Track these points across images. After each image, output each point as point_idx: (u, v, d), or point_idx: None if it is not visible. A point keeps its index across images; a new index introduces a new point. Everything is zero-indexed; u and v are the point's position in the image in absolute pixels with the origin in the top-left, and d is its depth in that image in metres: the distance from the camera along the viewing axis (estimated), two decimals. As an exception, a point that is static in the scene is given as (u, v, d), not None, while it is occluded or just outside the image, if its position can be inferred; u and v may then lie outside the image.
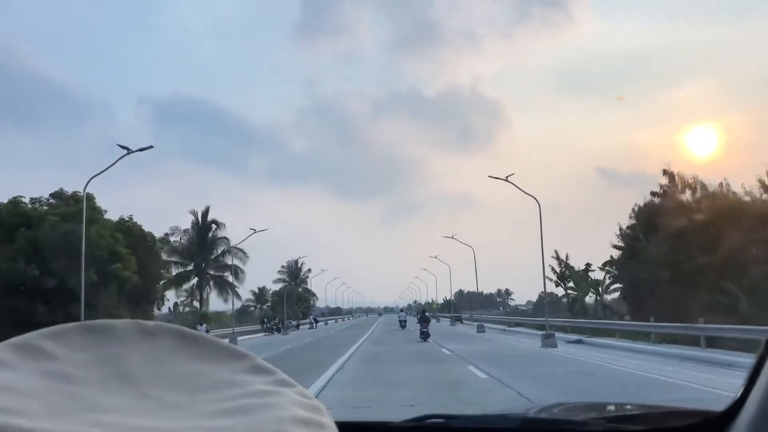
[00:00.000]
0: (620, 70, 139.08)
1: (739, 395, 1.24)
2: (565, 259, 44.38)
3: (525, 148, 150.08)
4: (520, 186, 29.04)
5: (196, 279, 55.68)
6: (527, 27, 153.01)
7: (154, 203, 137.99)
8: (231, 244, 52.66)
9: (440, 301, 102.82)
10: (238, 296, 58.01)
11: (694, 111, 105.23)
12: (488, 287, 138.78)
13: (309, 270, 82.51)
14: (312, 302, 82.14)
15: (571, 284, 44.10)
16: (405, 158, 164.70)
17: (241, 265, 56.82)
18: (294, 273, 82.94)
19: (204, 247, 56.16)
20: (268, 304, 69.79)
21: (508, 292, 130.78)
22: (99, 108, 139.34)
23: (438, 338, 30.55)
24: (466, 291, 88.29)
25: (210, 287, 56.76)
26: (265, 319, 51.13)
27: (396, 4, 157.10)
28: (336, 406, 9.48)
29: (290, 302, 66.24)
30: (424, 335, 29.69)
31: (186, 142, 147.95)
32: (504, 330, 41.46)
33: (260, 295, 72.06)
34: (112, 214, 34.33)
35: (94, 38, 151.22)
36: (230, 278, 52.55)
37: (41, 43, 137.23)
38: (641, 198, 32.59)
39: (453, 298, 69.25)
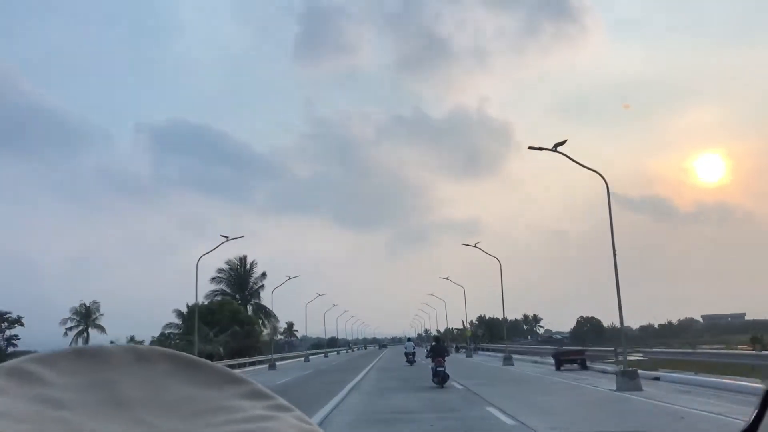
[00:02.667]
0: (627, 96, 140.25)
1: (750, 422, 1.23)
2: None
3: (533, 173, 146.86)
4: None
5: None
6: (537, 44, 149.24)
7: (154, 233, 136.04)
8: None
9: (447, 328, 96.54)
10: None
11: (701, 137, 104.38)
12: (512, 313, 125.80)
13: (263, 276, 64.65)
14: (266, 329, 59.28)
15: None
16: (410, 184, 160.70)
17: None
18: (240, 279, 64.33)
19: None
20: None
21: (536, 318, 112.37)
22: (96, 134, 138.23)
23: (463, 378, 22.97)
24: (488, 316, 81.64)
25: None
26: None
27: (400, 20, 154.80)
28: None
29: (222, 324, 46.55)
30: (439, 376, 19.97)
31: (186, 170, 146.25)
32: (536, 362, 36.19)
33: (187, 317, 45.59)
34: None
35: (90, 64, 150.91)
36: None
37: (38, 70, 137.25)
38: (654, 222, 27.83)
39: (469, 325, 62.63)
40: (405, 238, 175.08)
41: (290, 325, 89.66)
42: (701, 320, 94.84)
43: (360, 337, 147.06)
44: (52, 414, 0.42)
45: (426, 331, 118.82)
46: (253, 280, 65.31)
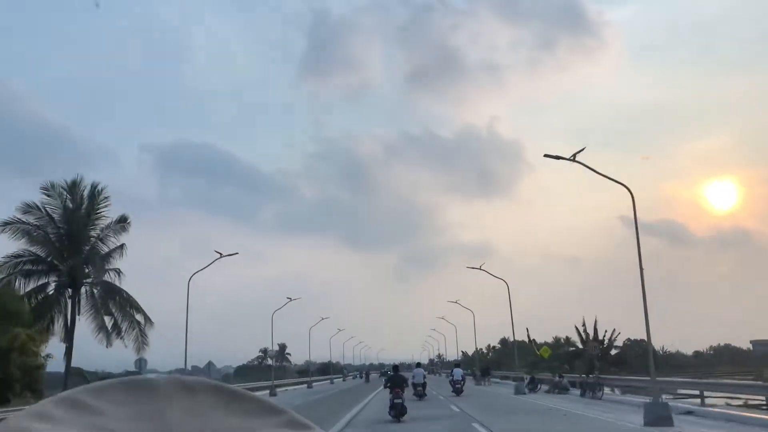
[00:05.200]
0: (640, 122, 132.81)
1: None
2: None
3: (546, 194, 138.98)
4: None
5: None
6: (552, 61, 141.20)
7: (160, 254, 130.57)
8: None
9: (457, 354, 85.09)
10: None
11: (713, 164, 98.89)
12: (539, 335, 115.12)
13: (122, 224, 32.42)
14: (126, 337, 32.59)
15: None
16: (420, 205, 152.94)
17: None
18: (69, 227, 30.78)
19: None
20: None
21: (569, 341, 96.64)
22: (100, 154, 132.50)
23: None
24: (510, 339, 68.12)
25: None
26: None
27: (410, 34, 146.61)
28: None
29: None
30: (396, 409, 19.47)
31: (191, 190, 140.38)
32: (556, 391, 32.63)
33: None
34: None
35: (94, 83, 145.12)
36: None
37: (42, 87, 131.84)
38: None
39: (480, 350, 51.44)
40: (414, 260, 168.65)
41: (282, 347, 79.10)
42: (751, 346, 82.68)
43: (367, 363, 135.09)
44: None
45: (439, 356, 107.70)
46: (96, 231, 32.17)
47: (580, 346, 46.56)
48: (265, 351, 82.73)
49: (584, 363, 37.79)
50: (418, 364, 34.34)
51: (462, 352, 72.34)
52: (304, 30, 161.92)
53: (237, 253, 35.27)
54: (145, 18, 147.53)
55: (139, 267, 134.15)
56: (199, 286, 34.92)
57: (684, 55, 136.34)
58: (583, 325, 45.50)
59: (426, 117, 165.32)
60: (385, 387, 21.81)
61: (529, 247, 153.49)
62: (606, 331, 45.39)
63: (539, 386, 35.56)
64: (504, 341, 66.07)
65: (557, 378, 33.91)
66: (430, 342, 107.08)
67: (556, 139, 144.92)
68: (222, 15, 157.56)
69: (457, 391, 33.09)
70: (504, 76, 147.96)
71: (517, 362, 40.66)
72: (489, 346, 76.93)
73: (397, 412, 19.71)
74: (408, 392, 31.05)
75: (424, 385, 29.78)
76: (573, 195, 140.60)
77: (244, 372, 77.58)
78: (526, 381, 36.12)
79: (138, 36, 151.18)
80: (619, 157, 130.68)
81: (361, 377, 79.42)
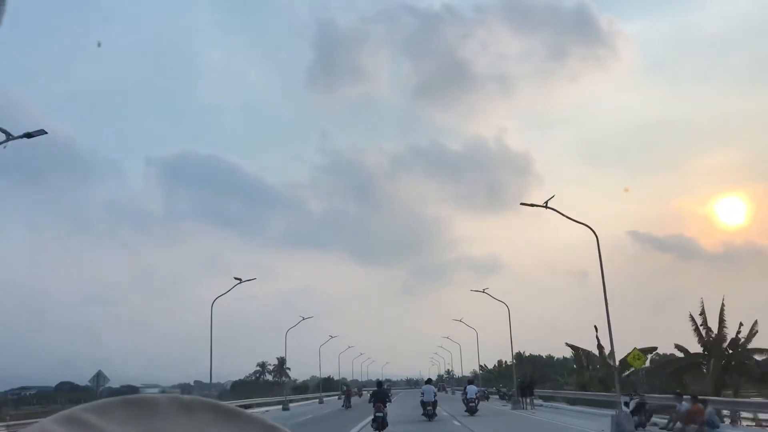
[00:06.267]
0: (650, 136, 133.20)
1: None
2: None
3: (555, 206, 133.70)
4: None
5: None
6: (563, 72, 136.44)
7: (167, 268, 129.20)
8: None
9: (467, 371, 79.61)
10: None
11: (723, 179, 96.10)
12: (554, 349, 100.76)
13: None
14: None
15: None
16: (427, 218, 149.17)
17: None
18: None
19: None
20: None
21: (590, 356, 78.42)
22: (106, 166, 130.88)
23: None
24: (527, 353, 62.05)
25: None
26: None
27: (418, 44, 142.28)
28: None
29: None
30: (378, 421, 21.09)
31: (197, 203, 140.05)
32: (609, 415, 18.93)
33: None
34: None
35: (99, 94, 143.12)
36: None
37: (47, 98, 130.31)
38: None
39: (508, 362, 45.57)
40: (421, 274, 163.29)
41: (281, 361, 73.76)
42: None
43: (373, 378, 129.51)
44: None
45: (448, 371, 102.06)
46: None
47: (699, 347, 28.60)
48: (262, 365, 78.02)
49: (709, 376, 26.32)
50: (429, 381, 29.74)
51: (481, 365, 66.22)
52: (310, 41, 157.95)
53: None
54: (152, 31, 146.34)
55: (145, 279, 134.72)
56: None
57: (694, 71, 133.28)
58: (701, 313, 28.87)
59: (434, 129, 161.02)
60: (370, 402, 22.92)
61: (537, 261, 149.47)
62: (742, 324, 27.55)
63: (649, 417, 21.06)
64: (519, 356, 59.76)
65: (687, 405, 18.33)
66: (436, 359, 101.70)
67: (565, 152, 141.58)
68: (228, 28, 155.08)
69: (471, 411, 29.49)
70: (514, 87, 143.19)
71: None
72: (501, 362, 70.89)
73: (378, 424, 21.14)
74: (414, 411, 27.57)
75: (434, 404, 25.55)
76: (581, 208, 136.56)
77: (240, 387, 72.63)
78: (630, 406, 20.74)
79: (145, 49, 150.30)
80: (629, 171, 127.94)
81: (339, 399, 53.16)
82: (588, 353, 38.22)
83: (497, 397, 46.32)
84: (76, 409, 0.48)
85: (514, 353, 44.48)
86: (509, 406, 35.72)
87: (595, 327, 33.55)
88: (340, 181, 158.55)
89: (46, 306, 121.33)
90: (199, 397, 0.52)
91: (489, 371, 66.35)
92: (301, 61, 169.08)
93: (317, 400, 60.70)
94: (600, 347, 34.88)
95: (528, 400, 33.53)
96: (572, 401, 34.99)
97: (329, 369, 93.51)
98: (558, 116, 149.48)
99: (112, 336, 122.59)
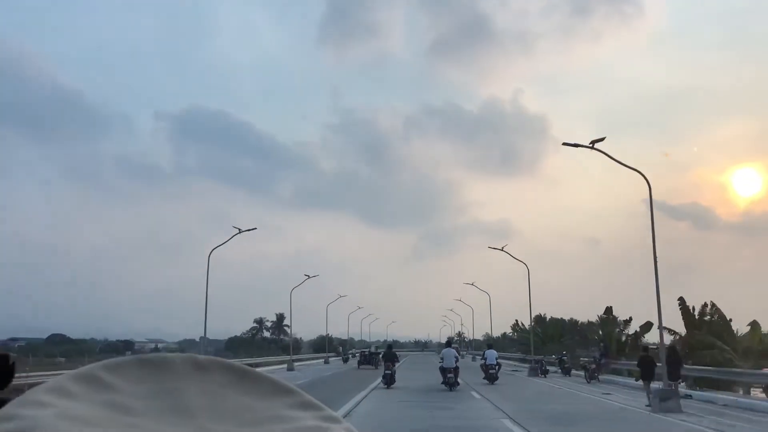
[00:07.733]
0: (671, 101, 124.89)
1: None
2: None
3: (571, 173, 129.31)
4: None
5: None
6: (585, 25, 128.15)
7: (175, 223, 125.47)
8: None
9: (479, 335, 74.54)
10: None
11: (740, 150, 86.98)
12: (577, 312, 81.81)
13: None
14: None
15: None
16: (440, 181, 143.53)
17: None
18: None
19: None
20: None
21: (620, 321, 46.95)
22: (115, 119, 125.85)
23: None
24: (548, 316, 53.08)
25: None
26: None
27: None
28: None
29: None
30: (386, 378, 23.49)
31: (207, 160, 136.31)
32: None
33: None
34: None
35: (108, 46, 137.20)
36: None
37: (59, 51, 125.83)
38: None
39: (530, 324, 39.27)
40: (432, 238, 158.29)
41: (280, 317, 68.84)
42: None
43: (382, 339, 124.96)
44: (120, 419, 0.43)
45: (459, 334, 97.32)
46: None
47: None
48: (260, 321, 73.33)
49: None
50: (448, 343, 24.91)
51: (516, 321, 56.99)
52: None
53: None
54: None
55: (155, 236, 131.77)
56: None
57: (715, 40, 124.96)
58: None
59: (449, 88, 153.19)
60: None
61: (550, 228, 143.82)
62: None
63: None
64: (539, 317, 51.38)
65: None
66: (446, 321, 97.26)
67: (582, 117, 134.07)
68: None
69: (491, 378, 26.48)
70: (533, 45, 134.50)
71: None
72: (517, 322, 61.40)
73: (388, 380, 23.41)
74: (434, 378, 24.83)
75: (456, 370, 20.42)
76: (598, 174, 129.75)
77: (235, 345, 68.16)
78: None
79: (156, 1, 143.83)
80: (645, 140, 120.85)
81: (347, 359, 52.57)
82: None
83: (558, 371, 34.05)
84: (92, 367, 0.48)
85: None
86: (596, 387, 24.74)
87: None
88: (351, 140, 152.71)
89: (50, 260, 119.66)
90: (215, 358, 0.52)
91: (524, 331, 51.25)
92: (314, 14, 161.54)
93: (323, 360, 56.21)
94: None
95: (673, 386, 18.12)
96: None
97: (333, 330, 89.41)
98: (577, 75, 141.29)
99: (118, 290, 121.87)
